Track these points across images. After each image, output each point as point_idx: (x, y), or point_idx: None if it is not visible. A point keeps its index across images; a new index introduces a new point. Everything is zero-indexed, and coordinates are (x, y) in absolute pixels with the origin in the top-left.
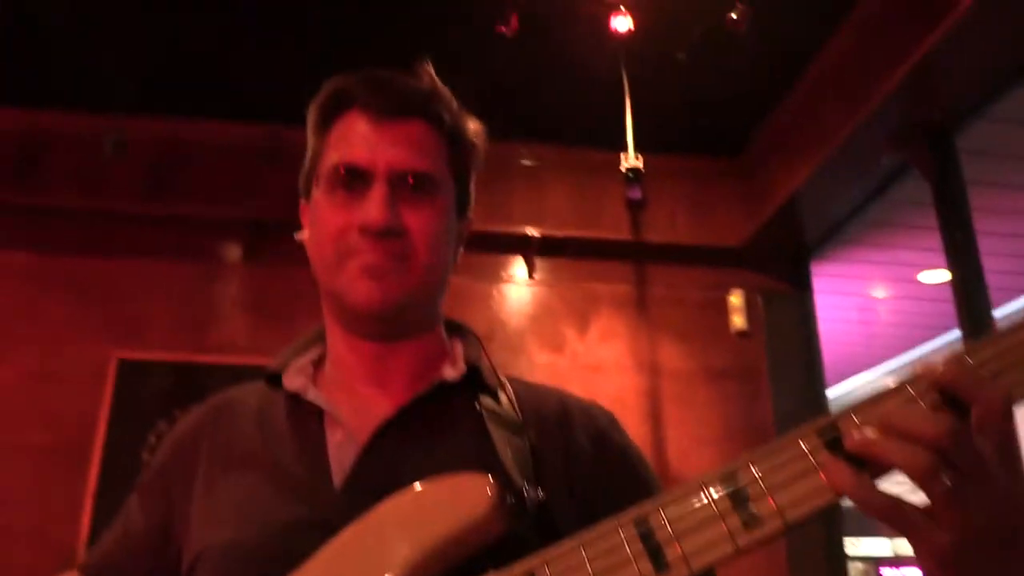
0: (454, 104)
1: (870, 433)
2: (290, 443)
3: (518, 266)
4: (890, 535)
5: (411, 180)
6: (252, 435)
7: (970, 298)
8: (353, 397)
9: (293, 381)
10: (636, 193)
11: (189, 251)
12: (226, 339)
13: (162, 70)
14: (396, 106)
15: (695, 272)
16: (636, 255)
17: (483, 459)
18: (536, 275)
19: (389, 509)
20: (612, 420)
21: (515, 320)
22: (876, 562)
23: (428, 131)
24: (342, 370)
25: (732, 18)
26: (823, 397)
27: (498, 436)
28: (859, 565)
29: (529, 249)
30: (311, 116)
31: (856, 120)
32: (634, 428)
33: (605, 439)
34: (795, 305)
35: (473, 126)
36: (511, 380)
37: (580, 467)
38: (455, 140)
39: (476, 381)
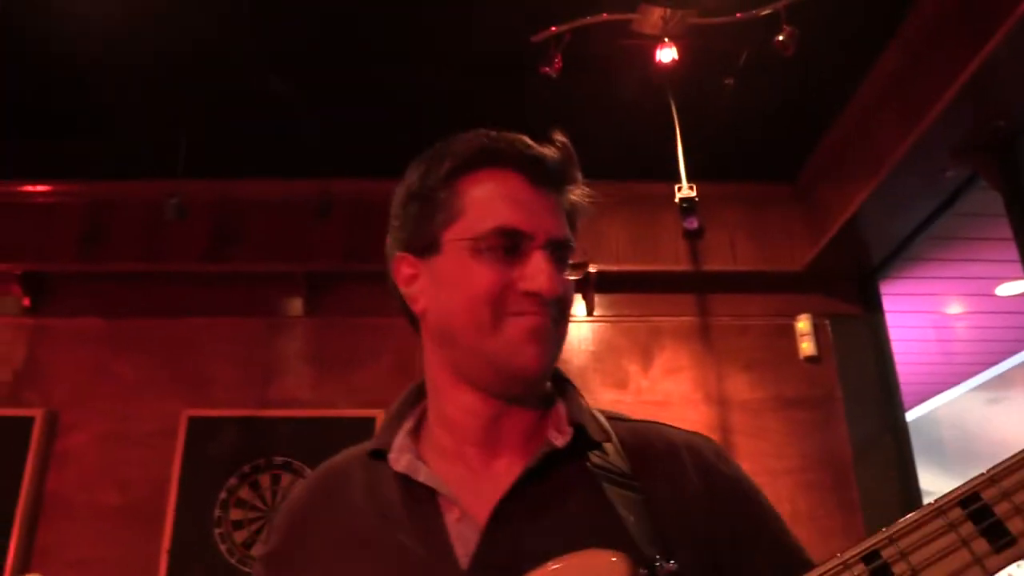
0: (581, 177)
1: None
2: (409, 525)
3: (577, 303)
4: None
5: (562, 249)
6: (367, 515)
7: None
8: (462, 464)
9: (399, 460)
10: (692, 223)
11: (250, 307)
12: (289, 392)
13: (214, 134)
14: (547, 176)
15: (759, 299)
16: (697, 286)
17: (606, 528)
18: (596, 311)
19: None
20: (718, 451)
21: (577, 358)
22: None
23: (561, 202)
24: (451, 433)
25: (779, 41)
26: (903, 420)
27: (615, 496)
28: None
29: (587, 285)
30: (433, 164)
31: (914, 135)
32: None
33: (714, 473)
34: (865, 327)
35: (583, 193)
36: (612, 421)
37: (695, 509)
38: (573, 211)
39: (583, 439)
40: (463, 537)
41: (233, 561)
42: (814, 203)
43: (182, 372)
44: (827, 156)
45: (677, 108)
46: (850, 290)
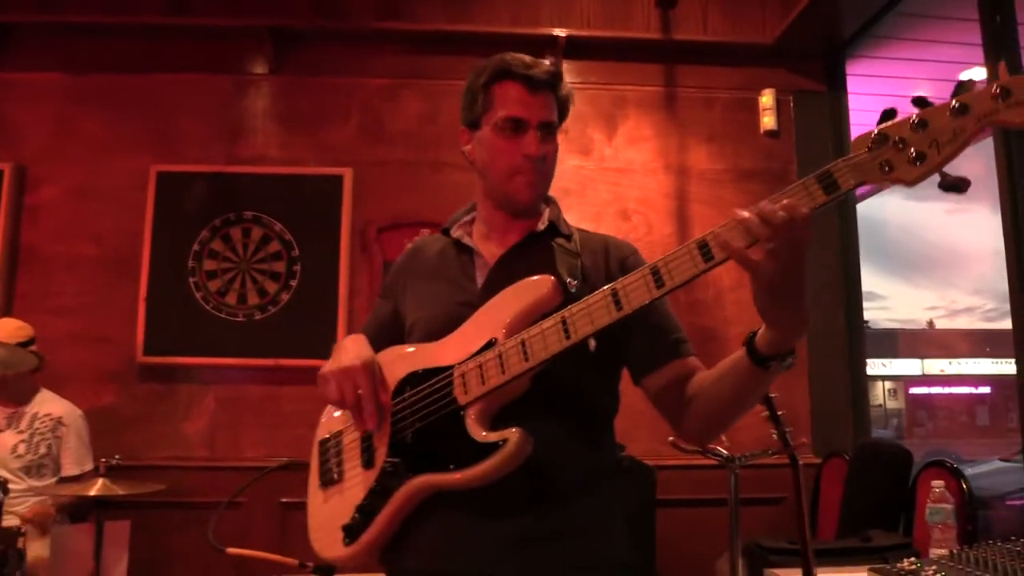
0: (564, 81)
1: None
2: (456, 264)
3: None
4: (919, 356)
5: (547, 128)
6: (435, 261)
7: None
8: (490, 241)
9: (456, 232)
10: None
11: (215, 63)
12: (258, 149)
13: None
14: (541, 83)
15: (726, 72)
16: (666, 55)
17: (548, 268)
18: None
19: (500, 296)
20: (634, 252)
21: None
22: (905, 381)
23: (552, 98)
24: (487, 227)
25: None
26: (852, 196)
27: (561, 258)
28: (888, 384)
29: (556, 50)
30: (477, 76)
31: None
32: (660, 228)
33: (620, 255)
34: (827, 105)
35: (566, 92)
36: (579, 230)
37: (604, 267)
38: (560, 103)
39: (554, 231)
40: (482, 273)
41: (209, 308)
42: None
43: (148, 127)
44: None
45: None
46: (816, 67)
